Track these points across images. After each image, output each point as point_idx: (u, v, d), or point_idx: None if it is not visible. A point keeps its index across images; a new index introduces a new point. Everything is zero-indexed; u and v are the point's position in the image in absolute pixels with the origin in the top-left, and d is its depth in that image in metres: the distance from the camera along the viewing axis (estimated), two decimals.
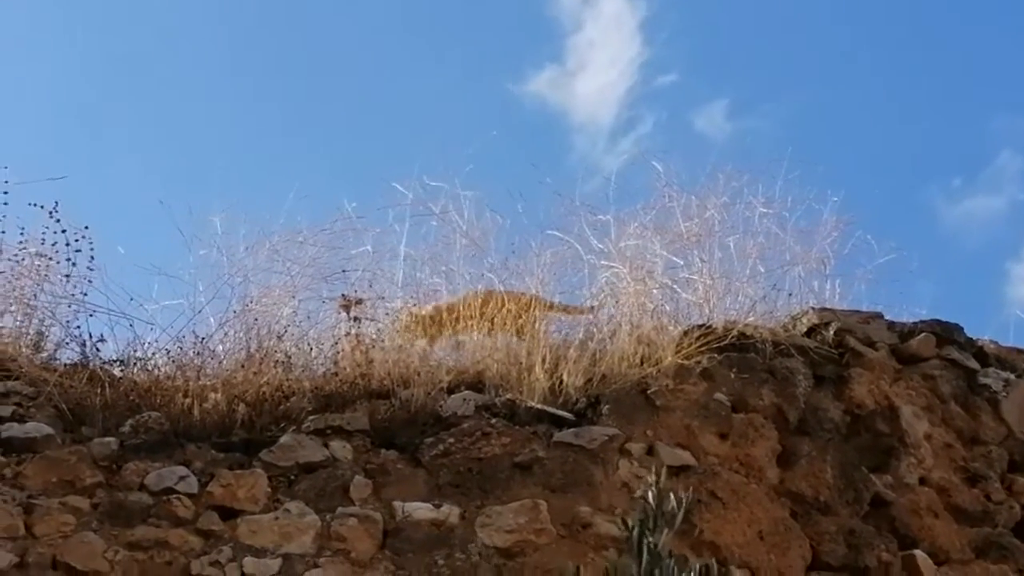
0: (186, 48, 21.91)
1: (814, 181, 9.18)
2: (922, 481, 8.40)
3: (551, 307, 8.48)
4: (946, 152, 23.35)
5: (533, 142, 22.08)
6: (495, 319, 8.10)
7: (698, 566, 4.36)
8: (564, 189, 8.99)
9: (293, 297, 8.35)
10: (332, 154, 20.92)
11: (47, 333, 7.84)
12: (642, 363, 7.71)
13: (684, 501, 4.50)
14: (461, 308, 8.27)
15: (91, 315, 7.80)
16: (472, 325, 8.18)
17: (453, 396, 7.45)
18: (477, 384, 7.61)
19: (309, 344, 8.18)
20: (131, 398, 7.22)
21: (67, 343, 7.76)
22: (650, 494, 4.48)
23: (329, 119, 21.92)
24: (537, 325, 8.16)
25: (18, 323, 7.77)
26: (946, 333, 9.13)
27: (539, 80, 23.09)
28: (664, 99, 23.38)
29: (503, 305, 8.15)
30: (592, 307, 8.57)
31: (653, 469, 4.68)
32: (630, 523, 4.45)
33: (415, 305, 8.56)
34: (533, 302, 8.31)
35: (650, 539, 4.35)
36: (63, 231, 7.85)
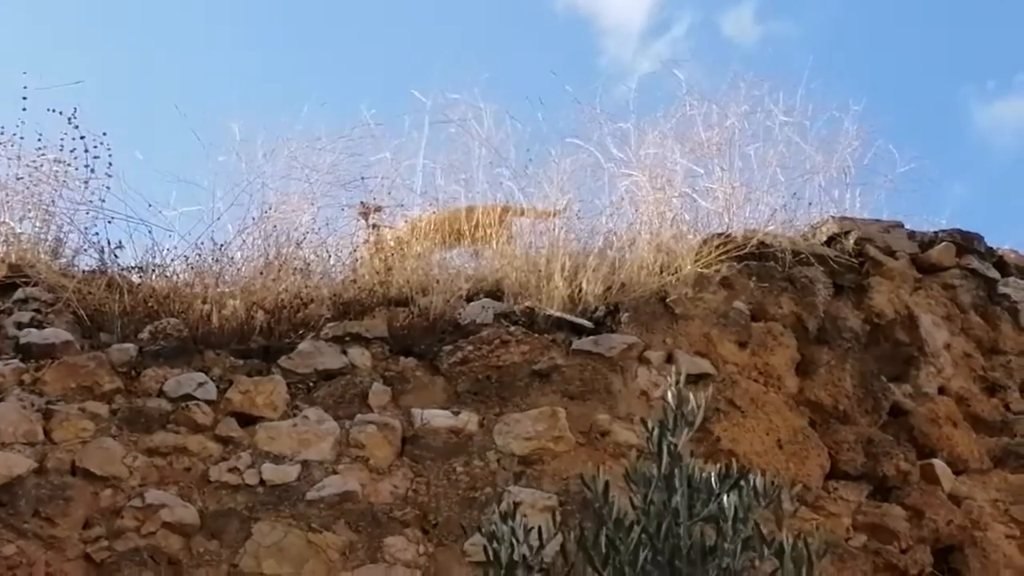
0: None
1: (836, 90, 9.15)
2: (941, 390, 8.39)
3: (521, 212, 8.45)
4: (981, 54, 22.98)
5: (562, 45, 21.82)
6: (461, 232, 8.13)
7: (718, 466, 4.36)
8: (585, 97, 8.95)
9: (312, 204, 8.35)
10: (351, 60, 20.74)
11: (65, 239, 7.85)
12: (661, 271, 7.69)
13: (703, 402, 4.49)
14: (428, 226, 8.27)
15: (109, 221, 7.81)
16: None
17: (472, 304, 7.45)
18: (496, 292, 7.60)
19: (328, 251, 8.17)
20: (149, 304, 7.23)
21: (85, 249, 7.77)
22: (670, 395, 4.47)
23: (350, 23, 21.68)
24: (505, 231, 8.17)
25: (36, 229, 7.77)
26: (966, 242, 9.09)
27: None
28: (697, 1, 23.05)
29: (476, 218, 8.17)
30: (558, 210, 8.51)
31: (672, 374, 4.67)
32: (650, 424, 4.44)
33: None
34: (503, 212, 8.29)
35: (671, 440, 4.34)
36: (82, 137, 7.84)
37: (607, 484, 4.32)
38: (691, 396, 4.46)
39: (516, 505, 5.09)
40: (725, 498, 4.24)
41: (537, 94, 8.99)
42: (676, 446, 4.31)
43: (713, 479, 4.27)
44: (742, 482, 4.24)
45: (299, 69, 18.80)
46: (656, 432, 4.34)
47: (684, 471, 4.26)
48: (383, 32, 21.22)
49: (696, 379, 7.11)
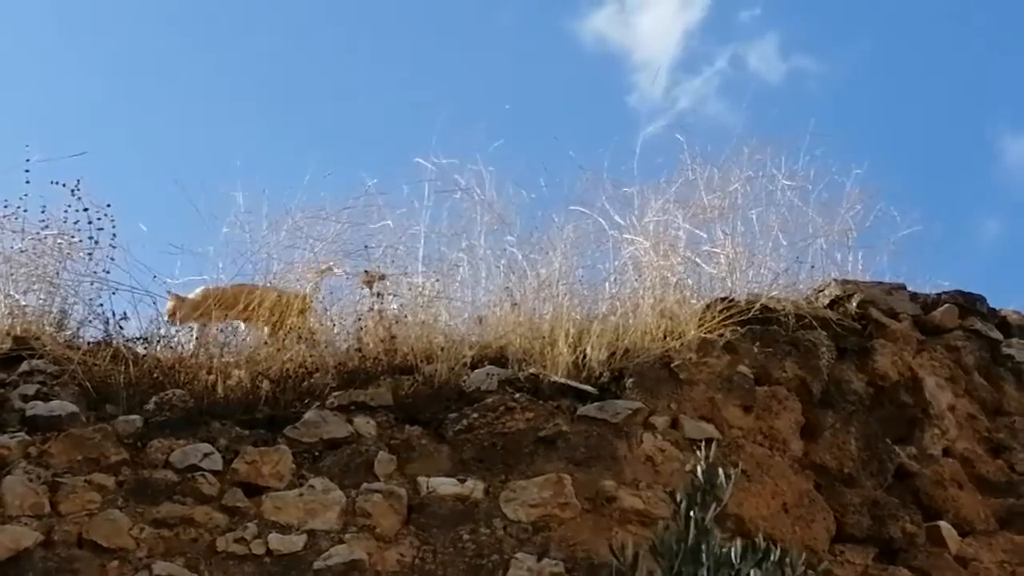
0: (204, 21, 21.72)
1: (841, 151, 9.20)
2: (946, 452, 8.38)
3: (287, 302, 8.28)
4: (1015, 87, 22.82)
5: (592, 82, 21.68)
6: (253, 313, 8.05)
7: (739, 541, 4.36)
8: (589, 161, 8.98)
9: (316, 273, 8.35)
10: (356, 128, 20.69)
11: (70, 311, 7.88)
12: (665, 337, 7.69)
13: (733, 477, 4.50)
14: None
15: (114, 293, 7.86)
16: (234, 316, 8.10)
17: (476, 371, 7.44)
18: (500, 359, 7.60)
19: (332, 320, 8.19)
20: (155, 376, 7.24)
21: (90, 321, 7.80)
22: (699, 469, 4.47)
23: (356, 90, 21.59)
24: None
25: (41, 301, 7.81)
26: (969, 304, 9.11)
27: (598, 16, 22.65)
28: (735, 36, 22.94)
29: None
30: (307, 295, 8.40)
31: (681, 441, 4.68)
32: (678, 498, 4.45)
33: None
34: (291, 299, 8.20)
35: (697, 514, 4.35)
36: (85, 209, 7.90)
37: (636, 555, 4.32)
38: (719, 470, 4.47)
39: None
40: (750, 573, 4.23)
41: (538, 160, 9.04)
42: (704, 520, 4.31)
43: (734, 554, 4.26)
44: (764, 560, 4.24)
45: (303, 138, 18.82)
46: (683, 505, 4.35)
47: (711, 545, 4.26)
48: (399, 87, 21.10)
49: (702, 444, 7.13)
